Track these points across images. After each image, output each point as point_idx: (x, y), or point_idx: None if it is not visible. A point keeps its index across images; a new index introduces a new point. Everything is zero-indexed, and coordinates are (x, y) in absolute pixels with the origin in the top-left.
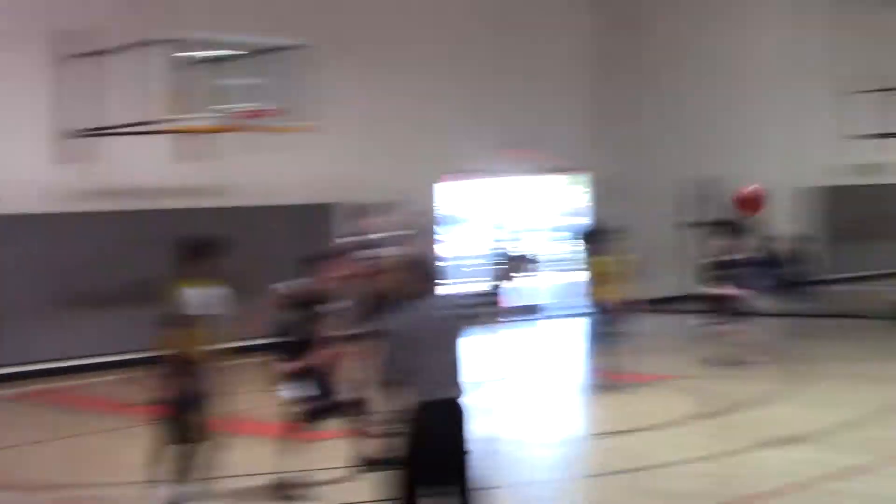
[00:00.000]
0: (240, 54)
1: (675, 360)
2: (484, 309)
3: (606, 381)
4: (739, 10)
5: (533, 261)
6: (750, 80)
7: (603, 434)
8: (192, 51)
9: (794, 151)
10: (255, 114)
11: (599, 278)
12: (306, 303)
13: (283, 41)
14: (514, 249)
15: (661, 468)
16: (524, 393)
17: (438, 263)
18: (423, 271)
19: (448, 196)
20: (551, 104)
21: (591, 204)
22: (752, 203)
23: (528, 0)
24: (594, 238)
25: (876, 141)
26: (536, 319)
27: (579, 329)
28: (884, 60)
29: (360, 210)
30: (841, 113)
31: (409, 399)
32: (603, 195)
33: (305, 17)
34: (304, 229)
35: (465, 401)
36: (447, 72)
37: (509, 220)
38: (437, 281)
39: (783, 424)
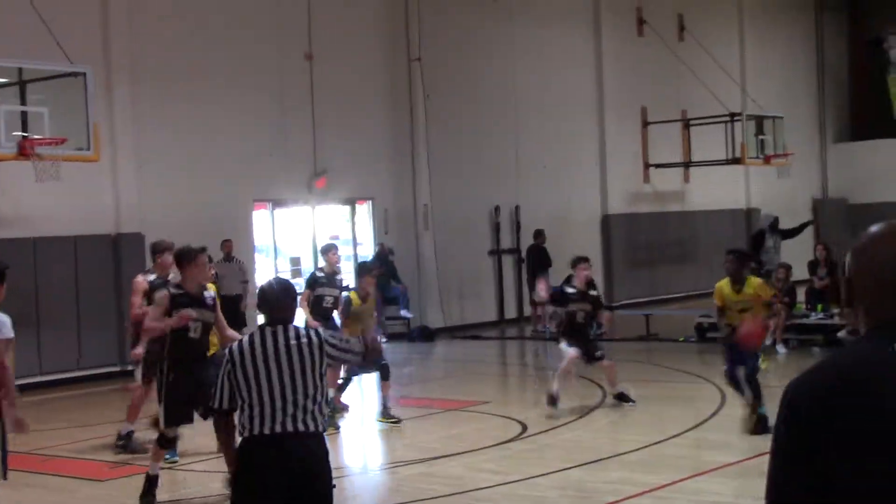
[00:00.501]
0: (26, 81)
1: (488, 385)
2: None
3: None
4: (544, 45)
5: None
6: (558, 110)
7: (420, 461)
8: None
9: (599, 180)
10: (41, 142)
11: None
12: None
13: (65, 67)
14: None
15: (480, 491)
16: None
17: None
18: (276, 298)
19: (262, 224)
20: (358, 135)
21: (379, 234)
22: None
23: (336, 30)
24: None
25: (678, 169)
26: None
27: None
28: (682, 92)
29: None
30: (644, 143)
31: (241, 430)
32: (405, 223)
33: (105, 45)
34: (113, 260)
35: (314, 437)
36: (254, 98)
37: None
38: (292, 309)
39: (593, 446)
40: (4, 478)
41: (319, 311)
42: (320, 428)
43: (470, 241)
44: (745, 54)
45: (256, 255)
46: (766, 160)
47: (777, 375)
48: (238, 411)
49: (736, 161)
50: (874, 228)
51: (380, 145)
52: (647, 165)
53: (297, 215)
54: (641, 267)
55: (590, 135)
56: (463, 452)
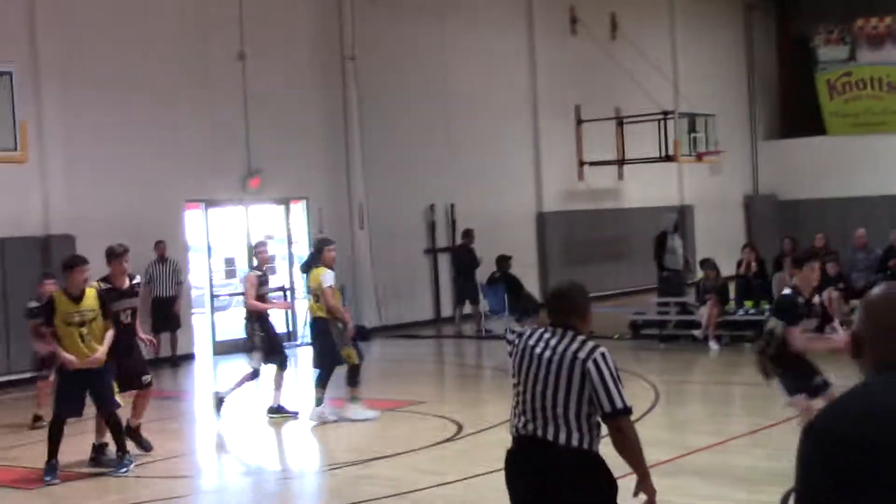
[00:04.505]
0: None
1: (424, 385)
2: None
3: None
4: (477, 45)
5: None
6: (492, 110)
7: (357, 462)
8: None
9: (534, 178)
10: None
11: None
12: None
13: None
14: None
15: (418, 493)
16: (268, 425)
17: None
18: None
19: (195, 224)
20: (292, 133)
21: (321, 232)
22: None
23: (267, 27)
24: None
25: (612, 167)
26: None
27: (306, 357)
28: (616, 90)
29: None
30: (578, 140)
31: None
32: (340, 223)
33: (32, 44)
34: (42, 262)
35: None
36: (186, 97)
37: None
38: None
39: None
40: None
41: None
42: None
43: (405, 239)
44: (677, 53)
45: (190, 255)
46: (699, 157)
47: (706, 372)
48: None
49: (669, 158)
50: (878, 289)
51: (314, 144)
52: (581, 163)
53: (231, 215)
54: (576, 264)
55: (524, 133)
56: (400, 453)
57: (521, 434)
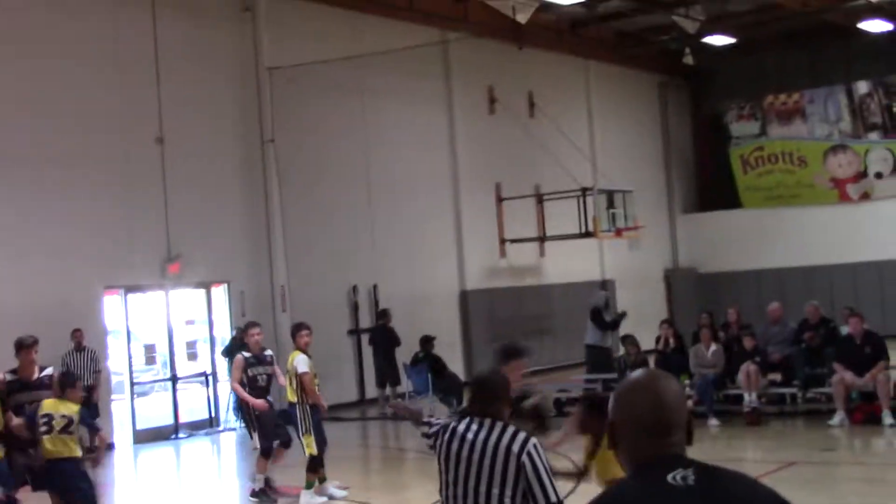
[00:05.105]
0: None
1: (349, 469)
2: None
3: (274, 494)
4: (398, 126)
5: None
6: (413, 189)
7: None
8: None
9: (456, 256)
10: None
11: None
12: None
13: None
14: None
15: None
16: None
17: None
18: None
19: (114, 310)
20: (212, 217)
21: (240, 316)
22: None
23: (187, 113)
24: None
25: (533, 244)
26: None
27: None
28: (535, 168)
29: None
30: (499, 218)
31: None
32: (262, 306)
33: None
34: None
35: None
36: (104, 182)
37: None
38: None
39: None
40: None
41: None
42: None
43: (328, 321)
44: (594, 130)
45: (109, 341)
46: (618, 233)
47: None
48: None
49: (588, 234)
50: (633, 376)
51: (235, 228)
52: (502, 241)
53: (151, 300)
54: (500, 341)
55: (446, 212)
56: None
57: None
